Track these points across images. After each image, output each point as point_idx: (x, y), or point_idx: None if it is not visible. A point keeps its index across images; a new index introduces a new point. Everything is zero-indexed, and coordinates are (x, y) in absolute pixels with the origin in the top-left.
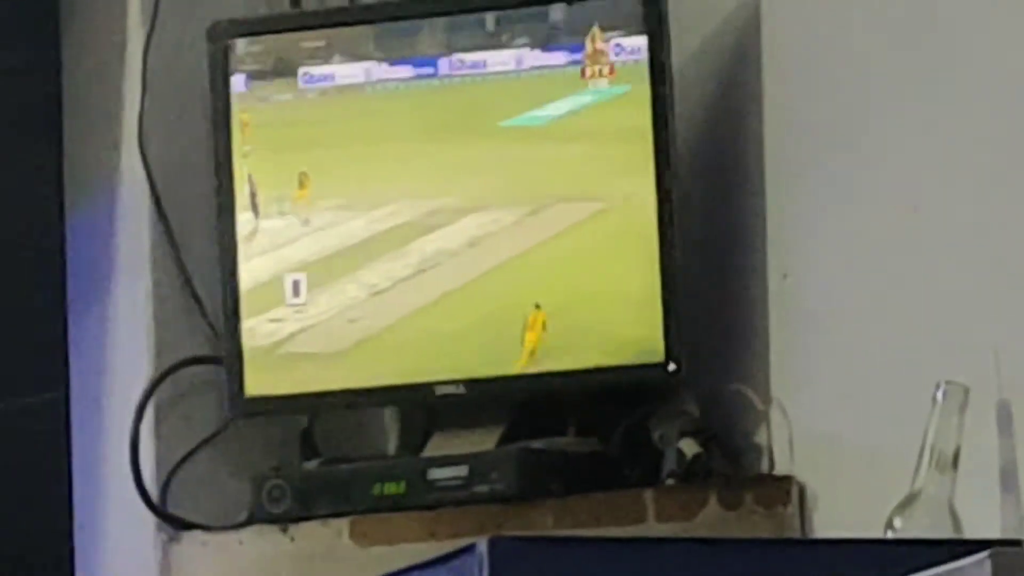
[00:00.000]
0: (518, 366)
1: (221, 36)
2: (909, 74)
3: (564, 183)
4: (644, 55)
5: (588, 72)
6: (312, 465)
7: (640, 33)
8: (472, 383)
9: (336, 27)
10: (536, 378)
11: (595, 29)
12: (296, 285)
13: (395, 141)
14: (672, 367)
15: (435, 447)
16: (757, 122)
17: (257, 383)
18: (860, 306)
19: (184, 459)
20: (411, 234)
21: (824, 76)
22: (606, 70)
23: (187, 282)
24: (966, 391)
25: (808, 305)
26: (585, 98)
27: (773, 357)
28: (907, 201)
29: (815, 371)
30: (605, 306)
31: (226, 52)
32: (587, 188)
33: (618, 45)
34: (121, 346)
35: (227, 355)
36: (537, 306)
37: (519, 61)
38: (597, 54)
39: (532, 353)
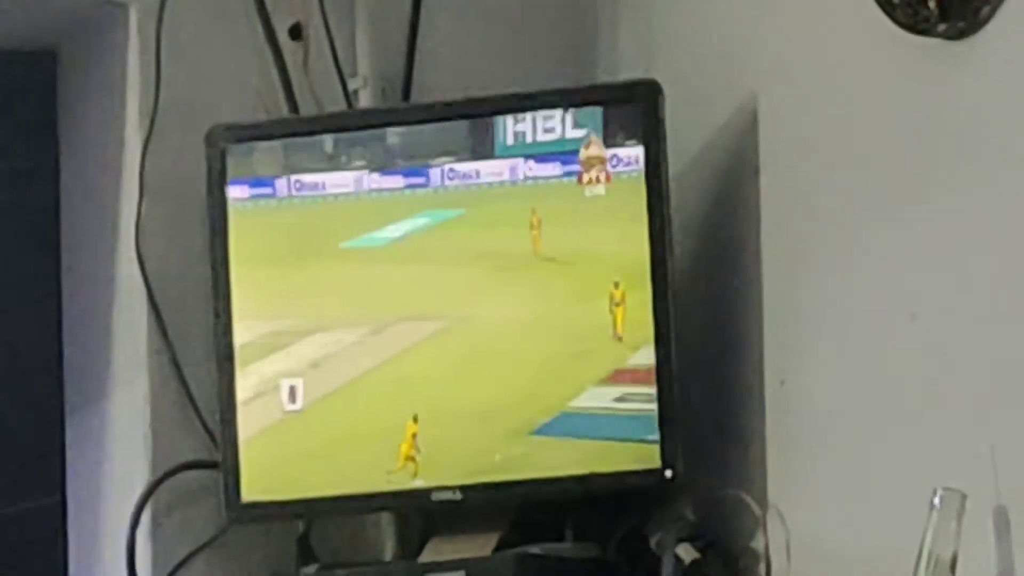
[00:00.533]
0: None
1: (218, 141)
2: (905, 182)
3: None
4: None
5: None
6: (310, 570)
7: None
8: (468, 489)
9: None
10: (534, 483)
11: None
12: (292, 391)
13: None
14: (669, 473)
15: (432, 552)
16: (754, 228)
17: (254, 488)
18: (857, 412)
19: (181, 564)
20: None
21: (821, 182)
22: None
23: (184, 387)
24: (963, 497)
25: (805, 411)
26: (421, 220)
27: (770, 463)
28: (904, 308)
29: (812, 477)
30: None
31: (223, 157)
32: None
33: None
34: (118, 451)
35: (224, 460)
36: (414, 418)
37: (358, 183)
38: None
39: (407, 459)
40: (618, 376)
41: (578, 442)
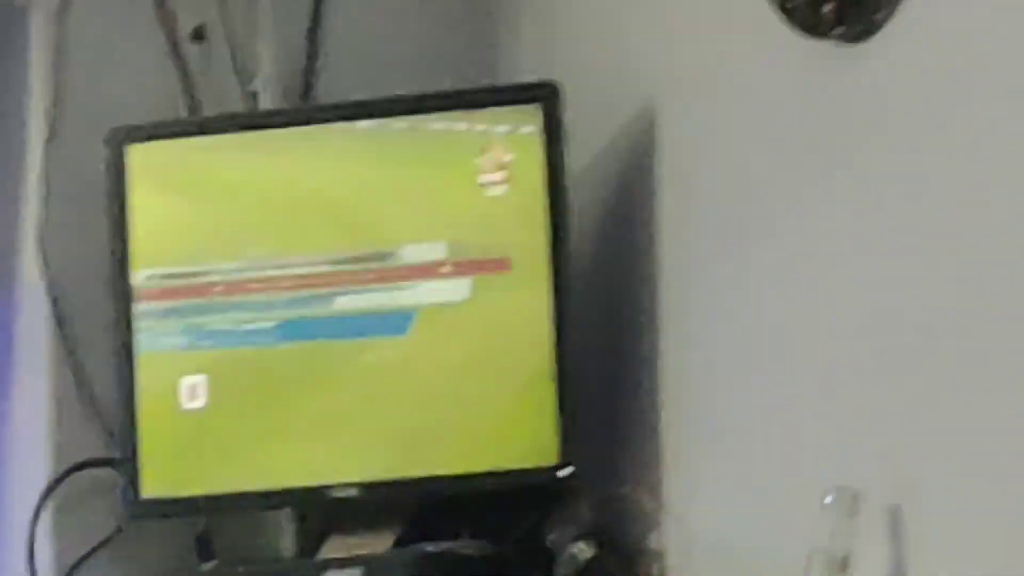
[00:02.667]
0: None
1: (119, 142)
2: (802, 184)
3: None
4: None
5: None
6: (208, 567)
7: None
8: (367, 486)
9: (233, 132)
10: (431, 481)
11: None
12: (193, 389)
13: None
14: (566, 471)
15: (331, 549)
16: (653, 230)
17: (153, 485)
18: (752, 412)
19: (81, 561)
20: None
21: (717, 186)
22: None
23: (85, 386)
24: (855, 496)
25: (701, 411)
26: None
27: (666, 462)
28: (799, 309)
29: (708, 476)
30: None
31: (122, 158)
32: None
33: None
34: (19, 449)
35: (123, 458)
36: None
37: None
38: None
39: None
40: None
41: (476, 439)
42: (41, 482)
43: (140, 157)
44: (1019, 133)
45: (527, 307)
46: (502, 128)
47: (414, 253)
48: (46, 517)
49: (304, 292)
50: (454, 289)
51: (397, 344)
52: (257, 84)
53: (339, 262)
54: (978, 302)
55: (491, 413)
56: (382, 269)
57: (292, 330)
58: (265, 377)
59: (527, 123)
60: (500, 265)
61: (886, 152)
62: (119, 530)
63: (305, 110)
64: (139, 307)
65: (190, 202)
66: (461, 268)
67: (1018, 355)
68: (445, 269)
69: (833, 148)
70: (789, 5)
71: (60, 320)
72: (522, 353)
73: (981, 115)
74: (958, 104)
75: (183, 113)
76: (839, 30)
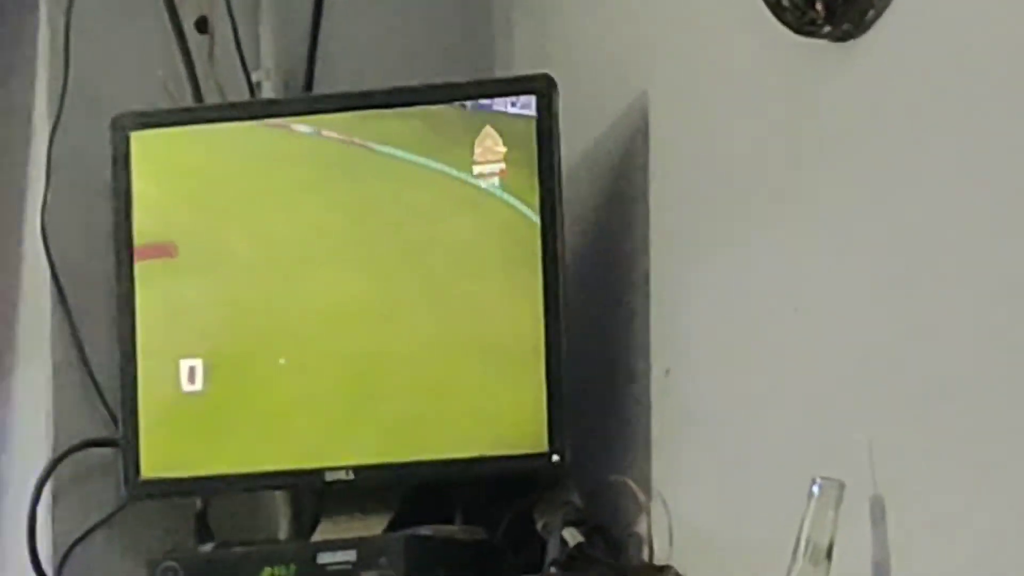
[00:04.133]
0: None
1: (124, 127)
2: (792, 179)
3: None
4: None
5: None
6: (206, 548)
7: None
8: (360, 469)
9: (235, 121)
10: (424, 465)
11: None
12: (192, 371)
13: None
14: (556, 458)
15: (325, 531)
16: (643, 221)
17: (153, 466)
18: (739, 403)
19: (80, 540)
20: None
21: (708, 179)
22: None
23: (86, 367)
24: (841, 486)
25: (689, 400)
26: None
27: (655, 451)
28: (786, 302)
29: (695, 465)
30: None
31: (126, 144)
32: None
33: None
34: (21, 428)
35: (124, 438)
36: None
37: None
38: None
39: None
40: None
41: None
42: (42, 462)
43: (143, 144)
44: (1009, 129)
45: (517, 295)
46: (497, 119)
47: None
48: (47, 496)
49: (303, 273)
50: None
51: (390, 327)
52: (259, 75)
53: (339, 246)
54: (965, 297)
55: (483, 400)
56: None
57: (290, 312)
58: (262, 360)
59: (522, 115)
60: None
61: (876, 148)
62: (119, 510)
63: (305, 100)
64: (142, 292)
65: (192, 189)
66: None
67: (1004, 349)
68: None
69: (823, 144)
70: (781, 2)
71: (62, 303)
72: (513, 341)
73: (971, 112)
74: (948, 101)
75: (187, 101)
76: (829, 28)
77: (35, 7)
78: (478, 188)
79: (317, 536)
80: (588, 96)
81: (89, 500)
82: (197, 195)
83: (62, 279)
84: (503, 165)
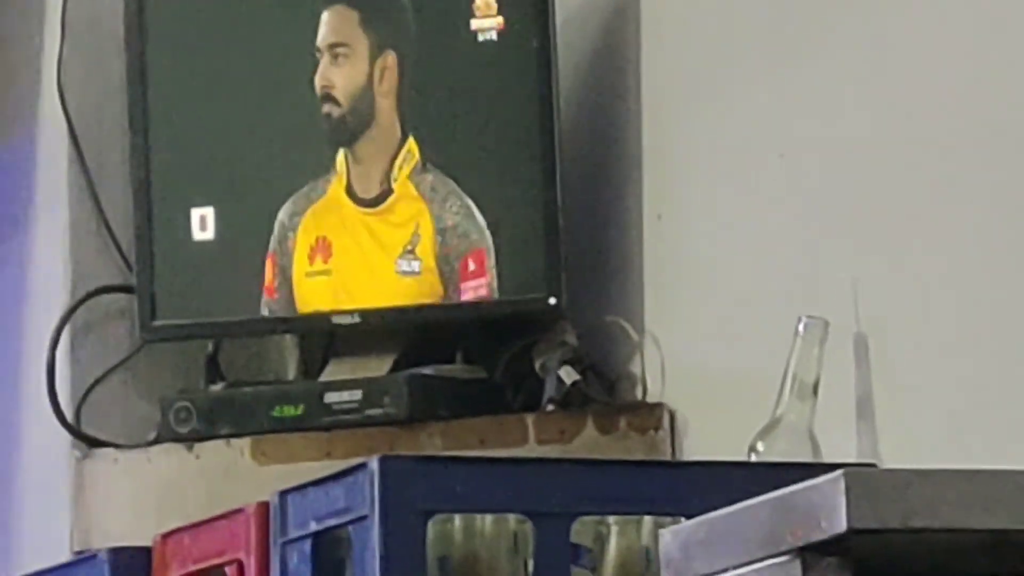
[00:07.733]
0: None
1: None
2: (780, 33)
3: None
4: None
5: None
6: (217, 388)
7: None
8: (366, 313)
9: None
10: (427, 309)
11: None
12: (203, 220)
13: None
14: (553, 301)
15: (332, 373)
16: (635, 69)
17: (167, 311)
18: (729, 245)
19: (97, 382)
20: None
21: (700, 32)
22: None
23: (102, 217)
24: (826, 325)
25: (680, 244)
26: None
27: (648, 292)
28: (773, 148)
29: (686, 305)
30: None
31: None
32: None
33: None
34: (39, 276)
35: (139, 285)
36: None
37: None
38: None
39: None
40: None
41: None
42: (60, 308)
43: (159, 4)
44: None
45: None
46: None
47: None
48: (65, 340)
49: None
50: None
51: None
52: None
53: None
54: (946, 139)
55: None
56: None
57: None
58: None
59: None
60: None
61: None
62: (134, 353)
63: None
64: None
65: (207, 53)
66: None
67: (986, 193)
68: None
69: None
70: None
71: (78, 151)
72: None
73: None
74: None
75: None
76: None
77: None
78: (476, 39)
79: (324, 377)
80: None
81: (106, 344)
82: (212, 59)
83: (79, 133)
84: (501, 19)
